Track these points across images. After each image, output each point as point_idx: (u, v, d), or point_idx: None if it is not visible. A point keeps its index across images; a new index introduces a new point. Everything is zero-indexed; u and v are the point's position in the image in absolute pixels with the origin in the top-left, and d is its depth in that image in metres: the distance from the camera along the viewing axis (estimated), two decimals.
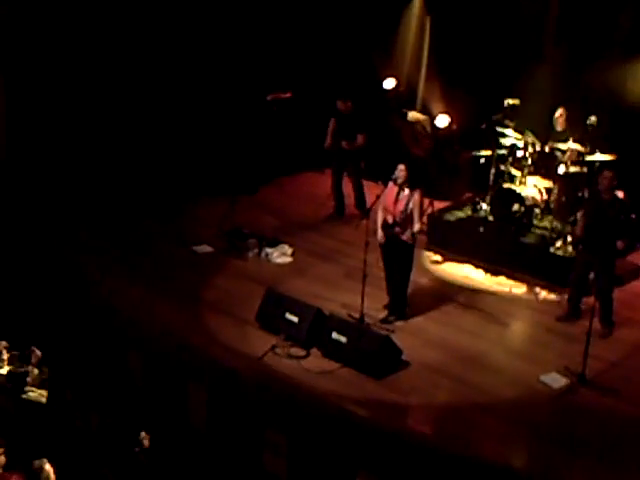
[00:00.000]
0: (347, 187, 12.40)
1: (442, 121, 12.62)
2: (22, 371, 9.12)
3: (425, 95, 13.56)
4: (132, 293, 10.04)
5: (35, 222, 11.48)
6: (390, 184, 9.54)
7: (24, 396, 8.97)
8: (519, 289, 10.61)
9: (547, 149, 11.18)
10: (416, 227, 9.50)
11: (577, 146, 10.89)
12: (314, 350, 9.11)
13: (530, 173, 11.28)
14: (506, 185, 11.24)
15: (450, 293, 10.46)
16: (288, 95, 13.25)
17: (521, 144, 11.30)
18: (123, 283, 10.24)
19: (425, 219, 10.38)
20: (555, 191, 11.11)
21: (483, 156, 11.80)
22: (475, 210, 11.62)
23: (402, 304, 9.77)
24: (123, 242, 11.23)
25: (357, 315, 9.49)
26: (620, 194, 9.69)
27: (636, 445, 7.80)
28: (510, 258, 10.88)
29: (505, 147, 11.46)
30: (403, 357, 8.91)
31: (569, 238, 10.64)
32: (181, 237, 11.54)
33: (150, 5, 12.31)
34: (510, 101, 11.56)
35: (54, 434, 8.55)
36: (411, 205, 9.42)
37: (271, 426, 8.50)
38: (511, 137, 11.38)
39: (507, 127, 11.46)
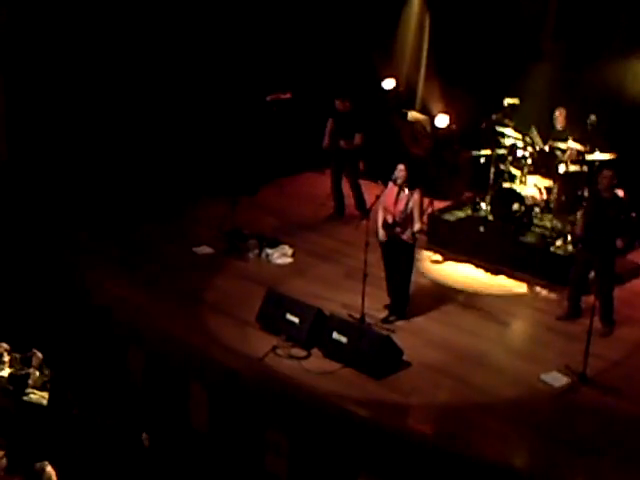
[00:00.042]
0: (347, 187, 12.40)
1: (442, 121, 12.62)
2: (23, 373, 9.11)
3: (425, 95, 13.57)
4: (132, 294, 10.04)
5: (36, 223, 11.49)
6: (390, 184, 9.55)
7: (25, 398, 8.97)
8: (519, 288, 10.61)
9: (547, 148, 11.19)
10: (416, 227, 9.50)
11: (577, 145, 10.90)
12: (315, 350, 9.11)
13: (530, 172, 11.29)
14: (506, 184, 11.25)
15: (450, 293, 10.46)
16: (288, 96, 13.24)
17: (521, 143, 11.31)
18: (123, 284, 10.24)
19: (425, 219, 10.38)
20: (555, 190, 11.11)
21: (483, 156, 11.81)
22: (475, 210, 11.64)
23: (403, 304, 9.77)
24: (123, 243, 11.22)
25: (358, 315, 9.49)
26: (620, 193, 9.70)
27: (637, 443, 7.80)
28: (510, 257, 10.89)
29: (505, 146, 11.47)
30: (404, 357, 8.91)
31: (569, 237, 10.65)
32: (181, 238, 11.54)
33: (150, 6, 12.32)
34: (510, 100, 11.56)
35: (55, 436, 8.55)
36: (411, 205, 9.42)
37: (272, 427, 8.49)
38: (511, 136, 11.38)
39: (507, 126, 11.47)
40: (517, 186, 11.15)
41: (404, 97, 13.73)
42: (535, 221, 11.14)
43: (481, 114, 11.83)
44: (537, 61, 12.06)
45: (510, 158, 11.40)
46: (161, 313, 9.75)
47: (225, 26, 12.94)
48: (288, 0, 13.37)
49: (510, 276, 10.81)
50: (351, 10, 13.52)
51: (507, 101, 11.55)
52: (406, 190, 9.45)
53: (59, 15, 11.69)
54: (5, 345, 9.32)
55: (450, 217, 11.70)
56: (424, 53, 13.64)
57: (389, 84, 13.58)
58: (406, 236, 9.50)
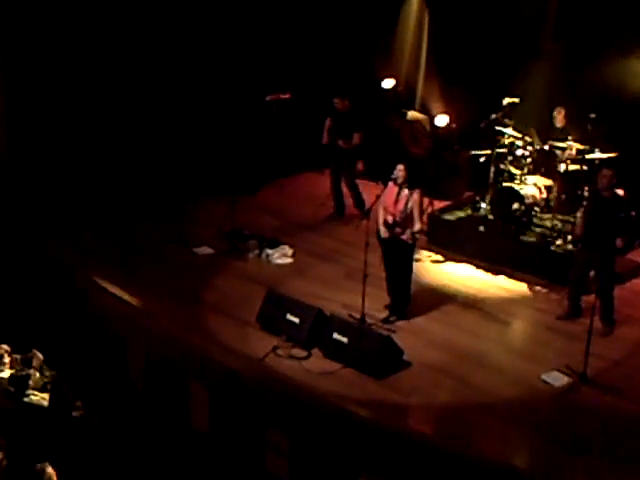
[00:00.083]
0: (346, 187, 12.41)
1: (441, 120, 12.62)
2: (24, 374, 9.12)
3: (424, 94, 13.56)
4: (132, 294, 10.03)
5: (35, 223, 11.48)
6: (390, 184, 9.55)
7: (26, 399, 8.97)
8: (519, 288, 10.61)
9: (547, 147, 11.19)
10: (416, 227, 9.49)
11: (577, 144, 10.90)
12: (315, 351, 9.11)
13: (530, 172, 11.29)
14: (506, 184, 11.24)
15: (450, 293, 10.46)
16: (287, 96, 13.23)
17: (520, 143, 11.31)
18: (123, 284, 10.22)
19: (425, 219, 10.38)
20: (555, 189, 11.11)
21: (483, 155, 11.80)
22: (475, 209, 11.63)
23: (403, 304, 9.77)
24: (123, 243, 11.22)
25: (358, 315, 9.49)
26: (620, 192, 9.69)
27: (638, 443, 7.79)
28: (510, 257, 10.88)
29: (505, 146, 11.46)
30: (404, 357, 8.92)
31: (569, 237, 10.64)
32: (182, 238, 11.54)
33: (150, 6, 12.32)
34: (509, 100, 11.55)
35: (56, 437, 8.55)
36: (411, 205, 9.42)
37: (272, 427, 8.50)
38: (511, 136, 11.38)
39: (506, 126, 11.46)
40: (517, 185, 11.15)
41: (404, 97, 13.72)
42: (535, 220, 11.14)
43: (481, 114, 11.82)
44: (537, 60, 12.04)
45: (510, 157, 11.40)
46: (161, 313, 9.74)
47: (225, 26, 12.94)
48: (288, 0, 13.36)
49: (510, 276, 10.80)
50: (350, 10, 13.51)
51: (507, 100, 11.54)
52: (406, 190, 9.44)
53: (59, 15, 11.68)
54: (5, 346, 9.32)
55: (450, 217, 11.70)
56: (423, 52, 13.63)
57: (388, 84, 13.58)
58: (406, 236, 9.50)
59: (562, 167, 11.00)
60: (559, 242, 10.73)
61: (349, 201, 12.40)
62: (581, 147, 10.89)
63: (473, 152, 12.03)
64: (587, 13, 11.65)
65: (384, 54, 13.64)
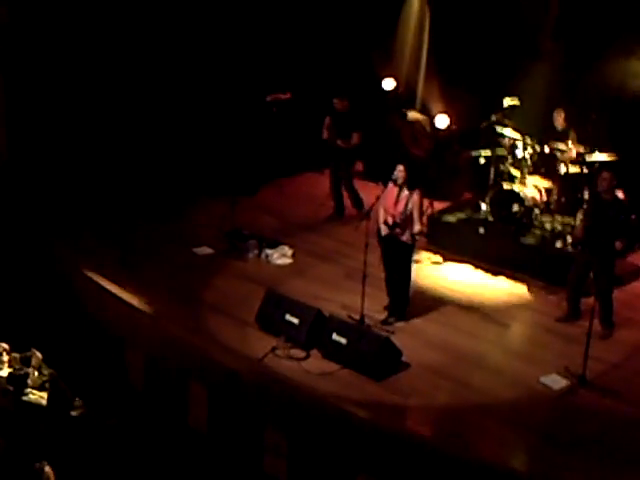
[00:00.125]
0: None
1: (442, 121, 12.62)
2: (22, 373, 9.12)
3: (424, 95, 13.57)
4: (132, 294, 10.02)
5: (35, 223, 11.48)
6: (390, 184, 9.54)
7: (24, 398, 8.97)
8: (519, 290, 10.61)
9: (547, 149, 11.18)
10: (416, 228, 9.49)
11: (577, 146, 10.90)
12: (314, 351, 9.10)
13: (530, 173, 11.28)
14: (506, 185, 11.24)
15: (450, 294, 10.45)
16: (287, 96, 13.23)
17: (521, 144, 11.30)
18: (123, 284, 10.22)
19: (425, 220, 10.37)
20: (555, 191, 11.11)
21: (483, 156, 11.80)
22: (475, 211, 11.62)
23: (402, 305, 9.76)
24: (123, 243, 11.22)
25: (357, 316, 9.49)
26: (620, 194, 9.69)
27: (636, 446, 7.79)
28: (510, 259, 10.88)
29: (505, 147, 11.45)
30: (403, 358, 8.92)
31: (569, 238, 10.64)
32: (181, 238, 11.54)
33: (150, 6, 12.31)
34: (510, 101, 11.55)
35: (55, 436, 8.55)
36: (410, 206, 9.41)
37: (271, 427, 8.50)
38: (510, 137, 11.37)
39: (506, 127, 11.46)
40: (517, 187, 11.14)
41: (404, 97, 13.72)
42: (535, 222, 11.13)
43: (481, 114, 11.82)
44: (537, 61, 12.04)
45: (510, 159, 11.39)
46: (161, 313, 9.74)
47: (225, 26, 12.93)
48: (288, 0, 13.35)
49: (510, 277, 10.80)
50: (351, 10, 13.51)
51: (507, 101, 11.54)
52: (406, 191, 9.44)
53: (59, 15, 11.69)
54: (4, 345, 9.32)
55: (450, 218, 11.70)
56: (424, 53, 13.63)
57: (389, 84, 13.58)
58: (405, 237, 9.50)
59: (562, 169, 11.00)
60: (559, 244, 10.73)
61: (349, 201, 12.40)
62: (581, 149, 10.89)
63: (473, 153, 12.03)
64: (587, 13, 11.65)
65: (384, 54, 13.63)
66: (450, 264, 11.22)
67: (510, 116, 11.55)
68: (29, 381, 9.09)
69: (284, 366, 8.85)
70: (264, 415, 8.58)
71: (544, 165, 11.25)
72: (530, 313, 10.21)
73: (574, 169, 10.96)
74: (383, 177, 9.81)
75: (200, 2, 12.73)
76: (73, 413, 8.98)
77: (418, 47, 13.66)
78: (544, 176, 11.23)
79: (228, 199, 11.63)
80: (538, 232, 11.05)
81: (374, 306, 9.69)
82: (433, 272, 11.03)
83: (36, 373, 9.15)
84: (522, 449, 8.04)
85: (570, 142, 10.96)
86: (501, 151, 11.50)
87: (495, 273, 10.90)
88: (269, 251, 11.18)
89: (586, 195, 10.58)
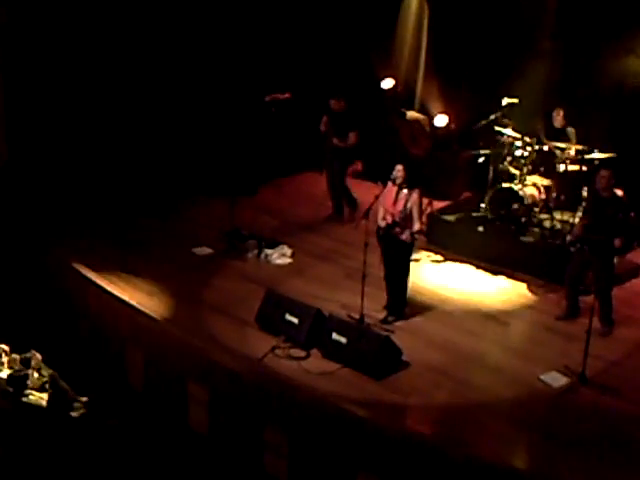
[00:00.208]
0: None
1: (440, 121, 12.62)
2: (22, 374, 9.12)
3: (423, 94, 13.57)
4: (131, 294, 10.03)
5: (35, 223, 11.49)
6: (389, 184, 9.54)
7: (24, 399, 8.98)
8: (518, 288, 10.61)
9: (546, 147, 11.18)
10: (416, 227, 9.49)
11: (576, 144, 10.90)
12: (314, 351, 9.10)
13: (529, 172, 11.28)
14: (505, 184, 11.24)
15: (449, 293, 10.45)
16: (287, 96, 13.24)
17: (519, 143, 11.31)
18: (122, 284, 10.23)
19: (424, 219, 10.37)
20: (554, 189, 11.11)
21: (482, 155, 11.80)
22: (474, 210, 11.62)
23: (401, 304, 9.77)
24: (122, 243, 11.22)
25: (357, 316, 9.49)
26: (619, 192, 9.69)
27: (637, 444, 7.79)
28: (509, 257, 10.88)
29: (504, 146, 11.46)
30: (403, 357, 8.91)
31: (568, 237, 10.64)
32: (180, 238, 11.54)
33: (150, 6, 12.32)
34: (509, 100, 11.55)
35: (54, 437, 8.56)
36: (410, 205, 9.42)
37: (271, 427, 8.50)
38: (510, 136, 11.38)
39: (506, 126, 11.46)
40: (516, 186, 11.15)
41: (403, 97, 13.72)
42: (534, 221, 11.13)
43: (480, 114, 11.82)
44: (536, 60, 12.04)
45: (509, 158, 11.39)
46: (161, 313, 9.74)
47: (224, 26, 12.94)
48: (287, 0, 13.36)
49: (509, 276, 10.80)
50: (349, 10, 13.51)
51: (506, 100, 11.54)
52: (405, 190, 9.44)
53: (59, 15, 11.70)
54: (4, 346, 9.33)
55: (449, 217, 11.70)
56: (423, 52, 13.62)
57: (388, 84, 13.57)
58: (405, 236, 9.50)
59: (561, 167, 11.01)
60: (558, 242, 10.73)
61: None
62: (580, 147, 10.89)
63: (472, 152, 12.03)
64: (586, 12, 11.65)
65: (383, 54, 13.63)
66: (449, 263, 11.22)
67: (509, 115, 11.55)
68: (29, 382, 9.09)
69: (284, 366, 8.85)
70: (264, 415, 8.59)
71: (543, 164, 11.25)
72: (530, 311, 10.20)
73: (573, 167, 10.96)
74: (382, 177, 9.81)
75: (200, 2, 12.73)
76: (73, 414, 8.99)
77: (417, 47, 13.66)
78: (543, 175, 11.24)
79: (227, 199, 11.63)
80: (537, 230, 11.05)
81: (374, 305, 9.69)
82: (433, 271, 11.04)
83: (36, 374, 9.16)
84: (522, 447, 8.03)
85: (569, 140, 10.95)
86: (500, 150, 11.50)
87: (495, 272, 10.90)
88: (268, 251, 11.18)
89: (585, 193, 10.57)
